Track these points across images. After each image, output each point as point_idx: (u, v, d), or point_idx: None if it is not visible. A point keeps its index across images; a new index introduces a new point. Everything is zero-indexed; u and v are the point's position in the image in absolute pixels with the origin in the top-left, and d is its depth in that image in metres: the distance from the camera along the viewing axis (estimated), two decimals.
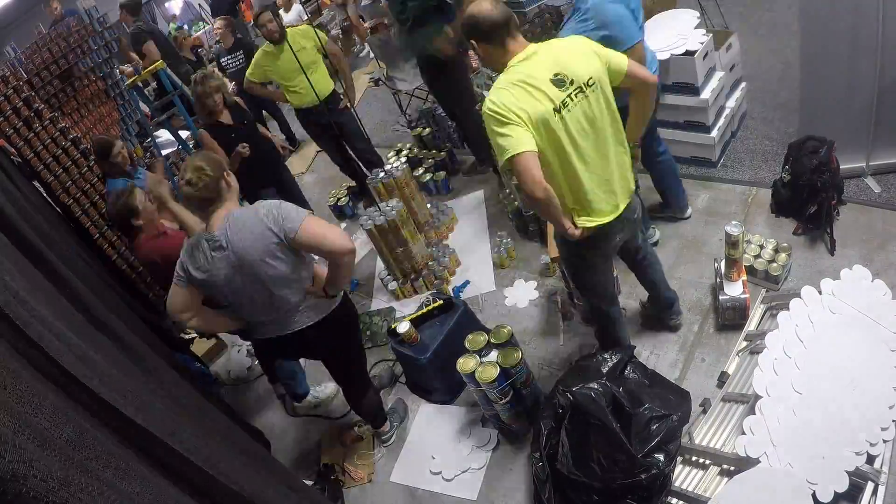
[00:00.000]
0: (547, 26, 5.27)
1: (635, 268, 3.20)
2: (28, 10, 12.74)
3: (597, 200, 2.46)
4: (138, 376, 2.14)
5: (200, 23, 15.57)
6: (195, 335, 5.08)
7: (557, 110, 2.27)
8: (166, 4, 20.09)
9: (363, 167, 5.52)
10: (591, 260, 2.79)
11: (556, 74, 2.28)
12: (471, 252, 4.56)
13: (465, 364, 3.05)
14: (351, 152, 5.55)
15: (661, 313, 3.41)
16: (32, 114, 4.70)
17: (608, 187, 2.48)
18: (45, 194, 5.14)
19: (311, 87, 4.76)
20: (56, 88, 6.22)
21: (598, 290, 2.99)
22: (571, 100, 2.29)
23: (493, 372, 2.94)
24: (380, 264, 4.68)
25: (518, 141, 2.21)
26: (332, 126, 5.07)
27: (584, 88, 2.31)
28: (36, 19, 8.01)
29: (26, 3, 13.73)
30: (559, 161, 2.36)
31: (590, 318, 3.50)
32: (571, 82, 2.29)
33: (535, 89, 2.25)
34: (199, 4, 15.13)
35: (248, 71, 5.19)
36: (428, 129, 6.01)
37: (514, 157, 2.21)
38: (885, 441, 2.33)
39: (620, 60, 2.45)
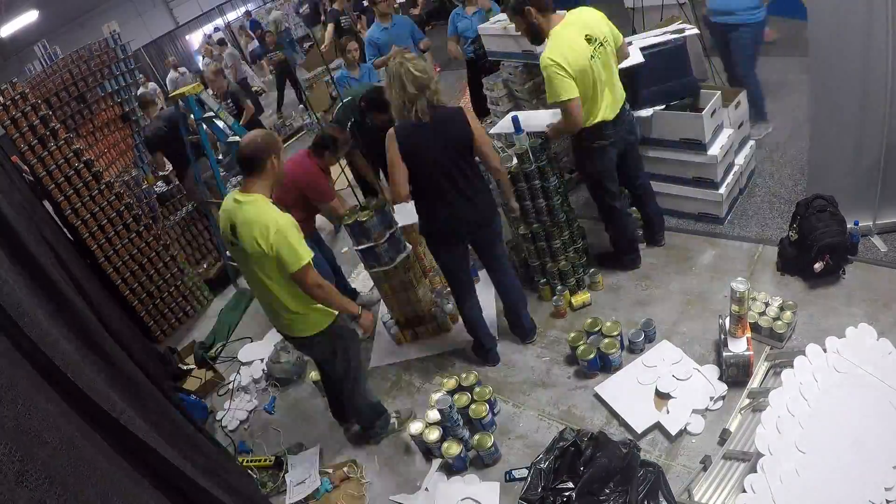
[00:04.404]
0: None
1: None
2: (49, 32, 13.03)
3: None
4: (127, 401, 2.12)
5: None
6: (193, 366, 5.06)
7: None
8: (187, 37, 20.58)
9: None
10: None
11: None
12: None
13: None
14: None
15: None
16: (48, 132, 4.74)
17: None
18: (53, 214, 5.17)
19: None
20: (73, 110, 6.31)
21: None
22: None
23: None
24: (383, 308, 4.65)
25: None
26: None
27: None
28: (56, 42, 8.17)
29: (48, 25, 14.08)
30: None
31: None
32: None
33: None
34: (220, 39, 15.45)
35: None
36: None
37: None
38: (888, 501, 2.27)
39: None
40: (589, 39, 3.43)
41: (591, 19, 3.52)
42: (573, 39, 3.40)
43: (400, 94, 3.13)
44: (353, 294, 5.04)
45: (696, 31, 4.50)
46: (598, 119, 3.64)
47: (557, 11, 3.51)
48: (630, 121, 3.90)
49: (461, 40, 6.43)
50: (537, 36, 3.56)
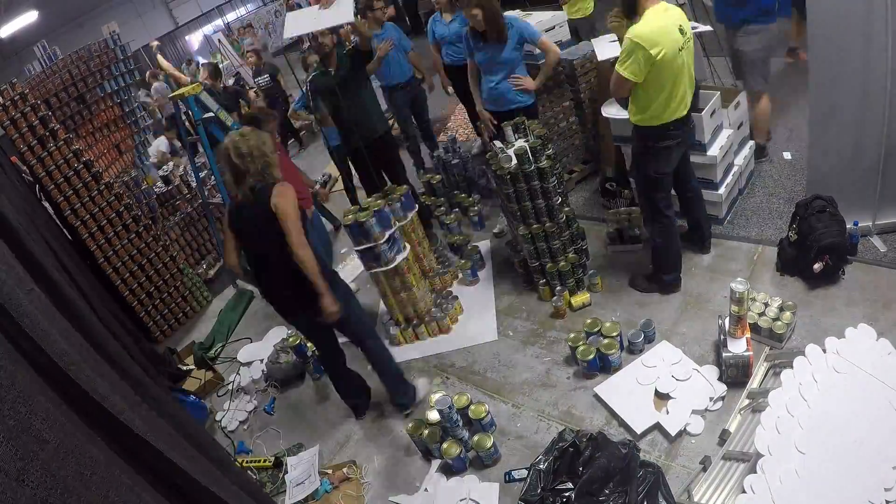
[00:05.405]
0: (560, 80, 5.34)
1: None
2: (48, 32, 13.03)
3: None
4: (132, 401, 2.12)
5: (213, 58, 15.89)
6: (192, 367, 5.05)
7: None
8: (186, 38, 20.58)
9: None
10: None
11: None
12: (474, 300, 4.56)
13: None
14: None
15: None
16: (47, 133, 4.74)
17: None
18: (53, 215, 5.16)
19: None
20: (73, 110, 6.30)
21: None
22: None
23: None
24: (383, 308, 4.66)
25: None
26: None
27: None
28: (56, 42, 8.17)
29: (48, 25, 14.08)
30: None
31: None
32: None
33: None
34: (219, 40, 15.42)
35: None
36: (438, 176, 6.00)
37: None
38: (888, 501, 2.27)
39: None
40: (681, 31, 3.30)
41: (682, 14, 3.40)
42: (668, 25, 3.24)
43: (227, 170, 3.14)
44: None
45: (710, 28, 4.52)
46: (672, 117, 3.48)
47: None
48: (691, 122, 3.75)
49: (442, 47, 6.38)
50: (632, 7, 3.34)
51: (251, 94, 8.50)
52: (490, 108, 4.79)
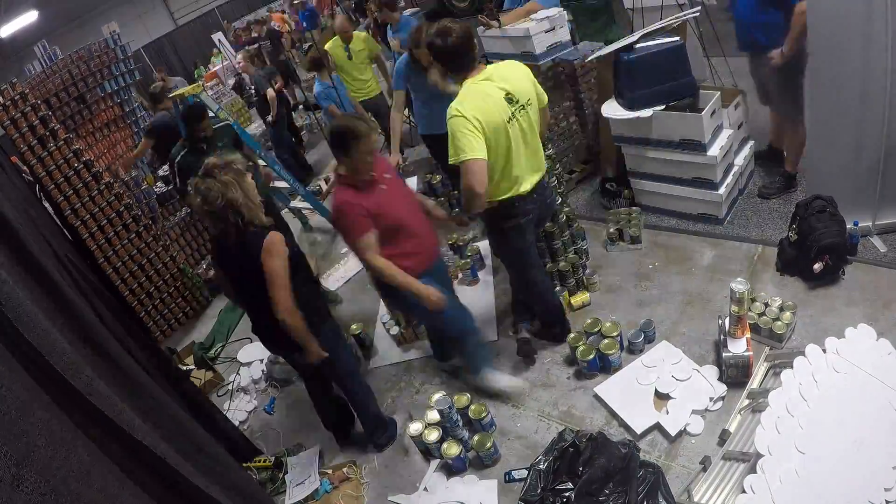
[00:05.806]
0: (560, 80, 5.33)
1: None
2: (48, 32, 13.02)
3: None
4: (132, 403, 2.12)
5: (215, 59, 15.94)
6: (192, 367, 5.05)
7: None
8: None
9: None
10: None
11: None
12: (474, 300, 4.56)
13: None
14: None
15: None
16: (48, 133, 4.74)
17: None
18: (53, 215, 5.16)
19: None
20: (73, 110, 6.30)
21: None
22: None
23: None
24: (383, 308, 4.66)
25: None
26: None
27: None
28: (56, 42, 8.17)
29: (48, 25, 14.07)
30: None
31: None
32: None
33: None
34: (219, 40, 15.44)
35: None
36: (438, 177, 5.98)
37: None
38: (888, 502, 2.27)
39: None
40: (509, 99, 2.94)
41: (512, 75, 3.02)
42: (490, 94, 2.90)
43: None
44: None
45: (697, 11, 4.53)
46: (512, 193, 3.15)
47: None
48: (549, 192, 3.43)
49: None
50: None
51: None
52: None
